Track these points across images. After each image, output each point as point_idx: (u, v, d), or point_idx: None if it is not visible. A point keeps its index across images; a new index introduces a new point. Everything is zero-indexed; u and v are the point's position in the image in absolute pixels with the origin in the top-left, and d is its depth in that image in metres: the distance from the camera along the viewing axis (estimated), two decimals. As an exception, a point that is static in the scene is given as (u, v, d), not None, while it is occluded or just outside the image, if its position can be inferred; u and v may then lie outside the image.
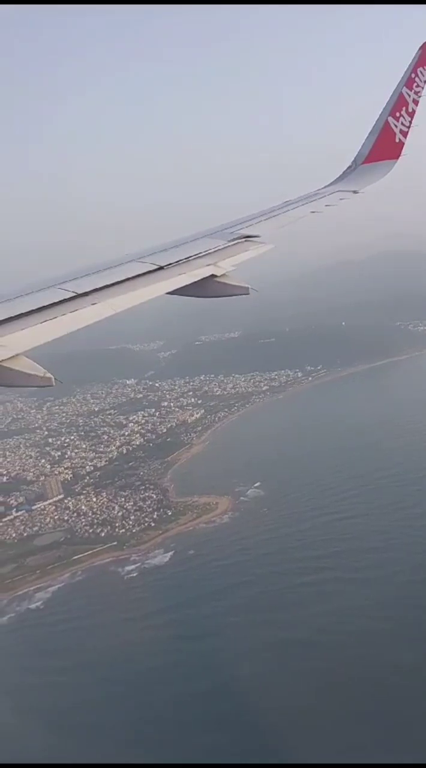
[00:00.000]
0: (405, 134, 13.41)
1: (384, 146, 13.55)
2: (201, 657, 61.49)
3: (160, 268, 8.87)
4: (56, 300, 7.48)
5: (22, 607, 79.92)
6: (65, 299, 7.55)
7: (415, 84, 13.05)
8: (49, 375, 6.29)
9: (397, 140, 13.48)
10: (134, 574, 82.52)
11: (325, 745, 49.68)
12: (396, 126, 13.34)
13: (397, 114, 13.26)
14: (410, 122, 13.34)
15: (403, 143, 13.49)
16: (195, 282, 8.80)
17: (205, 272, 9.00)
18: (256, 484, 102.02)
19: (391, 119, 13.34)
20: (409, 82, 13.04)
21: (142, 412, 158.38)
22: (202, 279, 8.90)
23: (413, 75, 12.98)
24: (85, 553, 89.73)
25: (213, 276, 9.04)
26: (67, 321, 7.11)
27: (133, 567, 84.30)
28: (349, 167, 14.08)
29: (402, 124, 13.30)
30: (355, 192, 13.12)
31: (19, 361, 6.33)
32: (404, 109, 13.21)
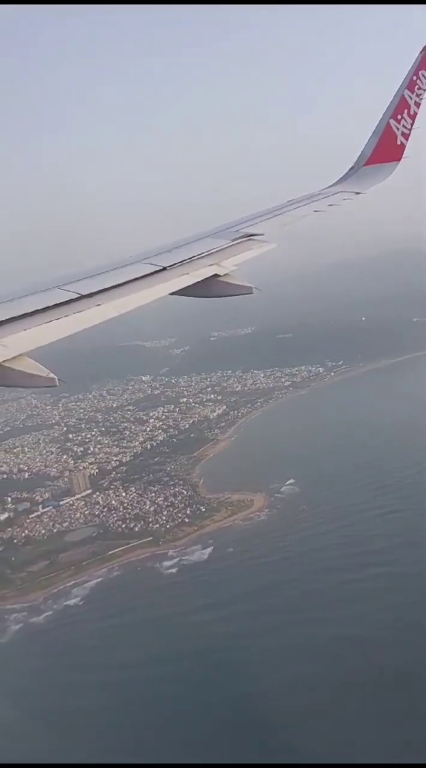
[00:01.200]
0: (406, 137, 13.49)
1: (386, 148, 13.61)
2: (257, 655, 59.89)
3: (163, 268, 8.82)
4: (60, 301, 7.46)
5: (59, 604, 78.34)
6: (69, 300, 7.52)
7: (416, 87, 13.07)
8: (52, 375, 6.22)
9: (398, 143, 13.51)
10: (173, 570, 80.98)
11: (395, 744, 48.16)
12: (398, 128, 13.38)
13: (399, 116, 13.31)
14: (412, 125, 13.41)
15: (405, 145, 13.54)
16: (198, 282, 8.75)
17: (208, 272, 8.94)
18: (290, 481, 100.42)
19: (392, 121, 13.37)
20: (410, 84, 13.04)
21: (162, 408, 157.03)
22: (205, 279, 8.84)
23: (415, 78, 12.98)
24: (120, 549, 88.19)
25: (216, 276, 8.96)
26: (71, 322, 7.10)
27: (171, 563, 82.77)
28: (352, 168, 14.12)
29: (404, 126, 13.36)
30: (357, 193, 13.17)
31: (22, 361, 6.28)
32: (406, 111, 13.27)
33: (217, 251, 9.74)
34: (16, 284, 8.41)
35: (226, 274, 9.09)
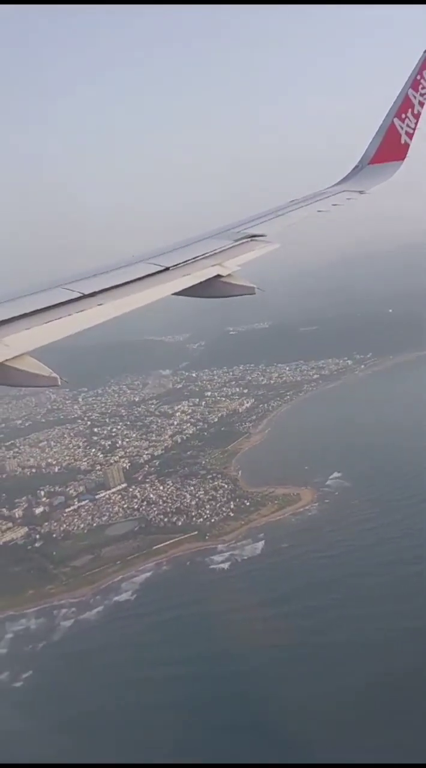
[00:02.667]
0: (411, 136, 13.39)
1: (390, 147, 13.49)
2: (331, 651, 57.62)
3: (166, 269, 8.80)
4: (62, 300, 7.43)
5: (109, 600, 76.03)
6: (71, 300, 7.49)
7: (420, 86, 13.01)
8: (54, 375, 6.21)
9: (402, 142, 13.40)
10: (226, 565, 78.66)
11: None
12: (402, 127, 13.31)
13: (403, 115, 13.21)
14: (416, 124, 13.34)
15: (409, 145, 13.43)
16: (201, 282, 8.72)
17: (211, 272, 8.91)
18: (336, 475, 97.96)
19: (396, 120, 13.28)
20: (414, 84, 13.00)
21: (186, 402, 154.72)
22: (207, 279, 8.81)
23: (419, 77, 12.95)
24: (165, 543, 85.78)
25: (219, 276, 8.92)
26: (73, 321, 7.08)
27: (222, 558, 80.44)
28: (356, 168, 13.99)
29: (408, 125, 13.28)
30: (361, 192, 13.02)
31: (24, 360, 6.24)
32: (410, 110, 13.18)
33: (220, 252, 9.66)
34: (20, 284, 8.30)
35: (228, 275, 9.01)
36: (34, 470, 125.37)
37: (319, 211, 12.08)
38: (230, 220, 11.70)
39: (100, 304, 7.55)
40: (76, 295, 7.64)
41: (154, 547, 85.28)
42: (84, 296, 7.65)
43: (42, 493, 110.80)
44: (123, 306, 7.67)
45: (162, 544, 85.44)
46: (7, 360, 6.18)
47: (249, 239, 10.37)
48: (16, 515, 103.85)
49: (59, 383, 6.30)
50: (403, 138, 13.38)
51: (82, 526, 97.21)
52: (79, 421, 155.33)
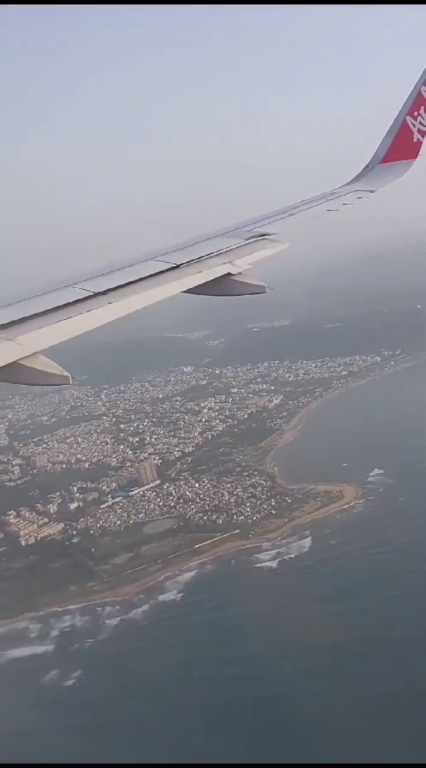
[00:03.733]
0: (423, 134, 13.16)
1: (401, 146, 13.31)
2: (389, 649, 55.92)
3: (177, 266, 8.79)
4: (74, 299, 7.45)
5: (154, 599, 74.57)
6: (82, 298, 7.51)
7: None
8: (66, 374, 6.27)
9: (415, 140, 13.25)
10: (273, 563, 76.99)
11: None
12: (414, 125, 13.14)
13: (416, 113, 13.03)
14: None
15: (421, 142, 13.24)
16: (211, 280, 8.71)
17: (221, 270, 8.89)
18: (377, 471, 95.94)
19: (409, 118, 13.09)
20: None
21: (212, 399, 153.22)
22: (218, 277, 8.79)
23: None
24: (207, 542, 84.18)
25: (229, 274, 8.90)
26: (85, 320, 7.11)
27: (268, 556, 78.78)
28: (366, 167, 13.84)
29: (420, 123, 13.08)
30: (372, 192, 12.92)
31: (37, 359, 6.31)
32: (422, 108, 12.98)
33: (230, 250, 9.65)
34: (31, 284, 8.31)
35: (239, 273, 8.98)
36: (64, 466, 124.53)
37: (329, 210, 11.95)
38: (239, 219, 11.64)
39: (111, 303, 7.55)
40: (87, 293, 7.66)
41: (196, 546, 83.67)
42: (95, 295, 7.66)
43: (75, 489, 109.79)
44: (133, 304, 7.68)
45: (204, 543, 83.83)
46: (20, 359, 6.22)
47: (260, 238, 10.31)
48: (51, 511, 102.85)
49: (71, 382, 6.29)
50: (416, 136, 13.14)
51: (118, 522, 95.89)
52: (104, 417, 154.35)
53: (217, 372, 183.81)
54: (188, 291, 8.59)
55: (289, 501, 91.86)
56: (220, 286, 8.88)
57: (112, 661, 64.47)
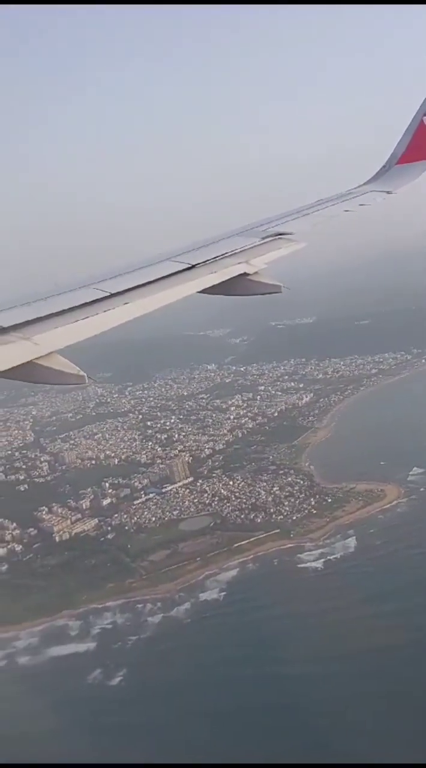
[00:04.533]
0: None
1: (419, 146, 13.10)
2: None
3: (192, 266, 8.75)
4: (90, 299, 7.50)
5: (196, 597, 72.92)
6: (99, 299, 7.55)
7: None
8: (82, 373, 6.34)
9: None
10: (319, 564, 74.96)
11: None
12: None
13: None
14: None
15: None
16: (227, 280, 8.64)
17: (237, 270, 8.82)
18: (418, 470, 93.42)
19: None
20: None
21: (239, 396, 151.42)
22: (233, 277, 8.73)
23: None
24: (246, 541, 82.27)
25: (245, 274, 8.83)
26: (101, 320, 7.16)
27: (312, 556, 76.74)
28: (383, 167, 13.72)
29: None
30: (389, 192, 12.79)
31: (53, 359, 6.36)
32: None
33: (246, 250, 9.56)
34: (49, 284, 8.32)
35: (255, 273, 8.87)
36: (93, 462, 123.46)
37: (345, 210, 11.83)
38: (255, 218, 11.48)
39: (127, 303, 7.55)
40: (103, 294, 7.64)
41: (235, 545, 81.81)
42: (111, 295, 7.63)
43: (106, 485, 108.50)
44: (149, 304, 7.66)
45: (243, 542, 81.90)
46: (36, 358, 6.27)
47: (276, 237, 10.18)
48: (83, 506, 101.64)
49: (86, 381, 6.29)
50: None
51: (153, 519, 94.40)
52: (130, 414, 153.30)
53: (241, 369, 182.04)
54: (204, 291, 8.47)
55: (330, 500, 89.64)
56: (236, 286, 8.74)
57: (157, 660, 62.91)
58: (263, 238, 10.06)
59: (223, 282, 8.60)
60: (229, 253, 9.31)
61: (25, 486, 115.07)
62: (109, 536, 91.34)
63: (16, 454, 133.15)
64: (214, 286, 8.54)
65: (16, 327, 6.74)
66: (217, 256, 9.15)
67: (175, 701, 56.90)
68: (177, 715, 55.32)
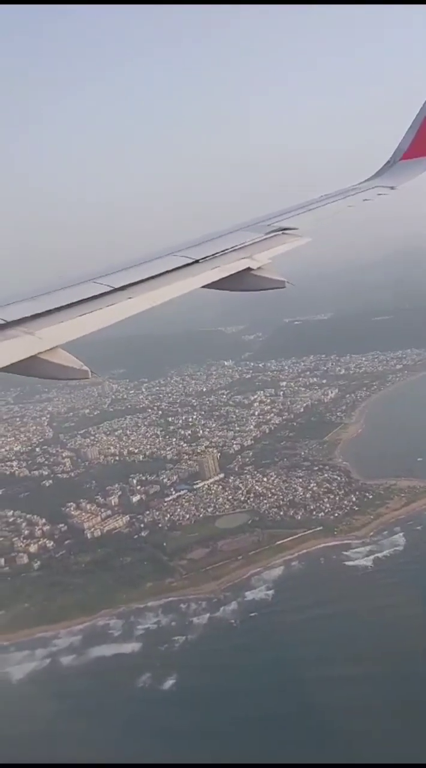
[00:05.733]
0: None
1: (424, 142, 12.87)
2: None
3: (196, 261, 8.73)
4: (93, 294, 7.50)
5: (242, 597, 70.35)
6: (102, 293, 7.55)
7: None
8: (85, 368, 6.34)
9: None
10: (367, 561, 72.55)
11: None
12: None
13: None
14: None
15: None
16: (231, 275, 8.60)
17: (241, 265, 8.80)
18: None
19: None
20: None
21: (261, 392, 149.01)
22: (237, 272, 8.69)
23: None
24: (289, 538, 79.67)
25: (249, 269, 8.80)
26: (104, 315, 7.17)
27: (359, 553, 74.34)
28: (387, 163, 13.53)
29: None
30: (392, 188, 12.55)
31: (56, 353, 6.39)
32: None
33: (250, 245, 9.50)
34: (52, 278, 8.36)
35: (258, 268, 8.84)
36: (116, 458, 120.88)
37: (349, 206, 11.74)
38: (260, 213, 11.48)
39: (130, 298, 7.49)
40: (107, 288, 7.60)
41: (277, 543, 79.27)
42: (114, 290, 7.59)
43: (134, 481, 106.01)
44: (153, 299, 7.58)
45: (286, 540, 79.32)
46: (40, 353, 6.26)
47: (280, 232, 10.12)
48: (112, 503, 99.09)
49: (90, 376, 6.27)
50: None
51: (187, 516, 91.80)
52: (149, 410, 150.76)
53: (260, 366, 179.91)
54: (207, 286, 8.41)
55: (371, 497, 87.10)
56: (240, 281, 8.67)
57: (208, 663, 60.34)
58: (267, 233, 9.95)
59: (226, 277, 8.50)
60: (233, 248, 9.20)
61: (50, 481, 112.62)
62: (143, 533, 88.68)
63: (37, 449, 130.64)
64: (217, 281, 8.43)
65: (20, 321, 6.66)
66: (221, 251, 9.03)
67: (231, 706, 54.36)
68: (234, 720, 52.79)
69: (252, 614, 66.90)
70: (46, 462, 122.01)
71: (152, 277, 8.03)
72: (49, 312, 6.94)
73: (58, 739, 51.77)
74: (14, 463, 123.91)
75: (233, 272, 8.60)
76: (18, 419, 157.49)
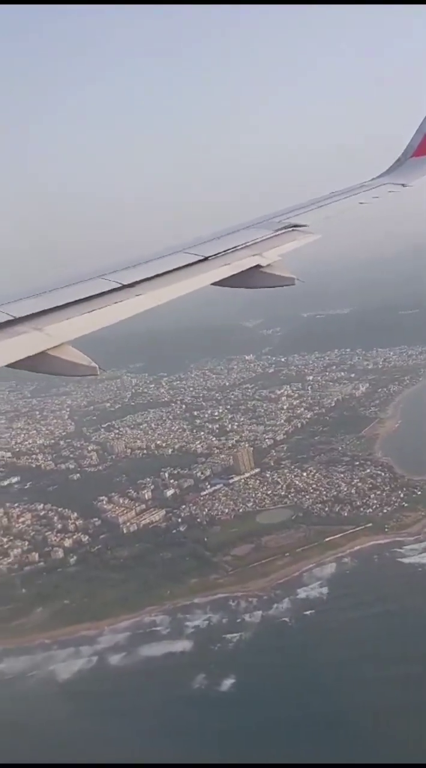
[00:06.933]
0: None
1: None
2: None
3: (205, 258, 8.68)
4: (101, 291, 7.46)
5: (294, 594, 67.45)
6: (110, 290, 7.50)
7: None
8: (93, 364, 6.36)
9: None
10: (423, 558, 69.78)
11: None
12: None
13: None
14: None
15: None
16: (240, 272, 8.58)
17: (251, 262, 8.77)
18: None
19: None
20: None
21: (288, 387, 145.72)
22: (247, 269, 8.68)
23: None
24: (338, 535, 76.61)
25: (258, 266, 8.77)
26: (112, 311, 7.15)
27: (414, 550, 71.42)
28: (398, 160, 13.41)
29: None
30: (403, 185, 12.52)
31: (64, 350, 6.40)
32: None
33: (260, 242, 9.47)
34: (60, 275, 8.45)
35: (268, 265, 8.84)
36: (144, 452, 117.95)
37: (360, 203, 11.58)
38: (270, 210, 11.37)
39: (139, 295, 7.46)
40: (115, 285, 7.55)
41: (326, 540, 76.17)
42: (123, 287, 7.55)
43: (166, 475, 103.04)
44: (161, 296, 7.55)
45: (334, 537, 76.26)
46: (48, 349, 6.28)
47: (290, 229, 10.00)
48: (146, 497, 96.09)
49: (98, 373, 6.29)
50: None
51: (226, 511, 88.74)
52: (172, 404, 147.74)
53: (282, 360, 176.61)
54: (217, 283, 8.33)
55: (419, 493, 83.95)
56: (249, 278, 8.60)
57: (266, 662, 57.30)
58: (277, 230, 9.93)
59: (236, 274, 8.45)
60: (243, 245, 9.19)
61: (77, 475, 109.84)
62: (181, 528, 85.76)
63: (61, 443, 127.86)
64: (227, 278, 8.38)
65: (28, 317, 6.64)
66: (231, 248, 9.02)
67: (294, 706, 51.49)
68: (298, 722, 49.93)
69: (307, 612, 63.94)
70: (72, 455, 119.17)
71: (161, 274, 7.94)
72: (57, 308, 6.89)
73: (117, 741, 48.86)
74: (39, 456, 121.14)
75: (243, 269, 8.51)
76: (38, 413, 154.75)
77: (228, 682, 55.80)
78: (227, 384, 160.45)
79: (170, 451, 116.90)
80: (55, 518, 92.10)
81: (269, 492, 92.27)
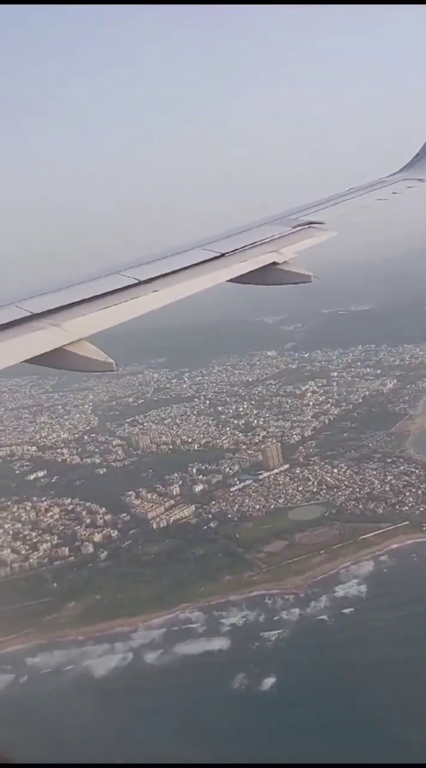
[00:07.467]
0: None
1: None
2: None
3: (222, 255, 8.72)
4: (118, 287, 7.52)
5: (332, 592, 65.88)
6: (127, 286, 7.57)
7: None
8: (110, 361, 6.35)
9: None
10: None
11: None
12: None
13: None
14: None
15: None
16: (257, 269, 8.60)
17: (267, 259, 8.78)
18: None
19: None
20: None
21: (312, 383, 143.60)
22: (263, 266, 8.68)
23: None
24: (374, 533, 74.92)
25: (275, 263, 8.77)
26: (129, 307, 7.19)
27: (455, 550, 69.22)
28: (417, 156, 13.34)
29: None
30: (421, 180, 12.40)
31: (81, 346, 6.39)
32: None
33: (277, 238, 9.47)
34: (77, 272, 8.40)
35: (284, 262, 8.81)
36: (170, 447, 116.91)
37: (378, 199, 11.42)
38: (286, 207, 11.35)
39: (156, 291, 7.49)
40: (132, 281, 7.61)
41: (361, 537, 74.55)
42: (140, 283, 7.60)
43: (194, 470, 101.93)
44: (178, 292, 7.59)
45: (370, 534, 74.62)
46: (65, 345, 6.29)
47: (307, 226, 9.98)
48: (174, 492, 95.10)
49: (114, 368, 6.31)
50: None
51: (257, 507, 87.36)
52: (195, 399, 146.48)
53: (305, 356, 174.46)
54: (233, 280, 8.36)
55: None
56: (266, 275, 8.58)
57: (307, 660, 55.95)
58: (294, 227, 9.86)
59: (253, 271, 8.43)
60: (260, 242, 9.16)
61: (104, 470, 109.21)
62: (212, 524, 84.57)
63: (85, 437, 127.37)
64: (243, 274, 8.35)
65: (46, 313, 6.70)
66: (248, 245, 8.99)
67: (338, 705, 50.11)
68: (344, 720, 48.58)
69: (345, 610, 62.44)
70: (97, 450, 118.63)
71: (178, 270, 7.95)
72: (75, 304, 6.90)
73: (163, 741, 47.84)
74: (64, 451, 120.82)
75: (260, 266, 8.50)
76: (60, 407, 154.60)
77: (269, 681, 54.54)
78: (250, 380, 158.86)
79: (196, 446, 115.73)
80: (84, 513, 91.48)
81: (300, 488, 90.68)
